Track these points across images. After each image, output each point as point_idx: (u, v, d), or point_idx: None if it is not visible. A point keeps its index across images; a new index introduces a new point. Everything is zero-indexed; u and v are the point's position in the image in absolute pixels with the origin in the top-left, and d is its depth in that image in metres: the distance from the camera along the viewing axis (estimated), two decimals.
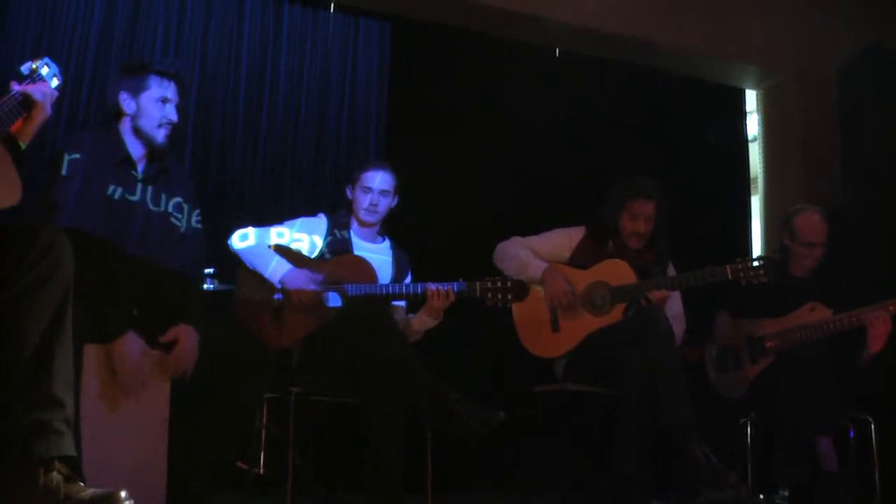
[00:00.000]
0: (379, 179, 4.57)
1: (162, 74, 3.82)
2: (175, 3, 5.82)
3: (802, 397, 4.42)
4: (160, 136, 3.77)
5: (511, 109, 6.54)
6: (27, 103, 2.84)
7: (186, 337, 3.53)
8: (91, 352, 3.23)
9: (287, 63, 6.11)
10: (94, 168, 3.58)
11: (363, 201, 4.57)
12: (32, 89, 2.84)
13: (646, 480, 4.22)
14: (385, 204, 4.60)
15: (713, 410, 4.82)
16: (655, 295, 4.51)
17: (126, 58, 5.56)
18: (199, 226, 3.90)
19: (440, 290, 4.26)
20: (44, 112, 2.86)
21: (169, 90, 3.80)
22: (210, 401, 3.52)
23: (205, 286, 4.51)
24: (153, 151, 3.79)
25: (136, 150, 3.76)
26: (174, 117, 3.81)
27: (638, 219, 4.75)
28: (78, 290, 2.59)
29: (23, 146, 2.79)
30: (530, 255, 4.80)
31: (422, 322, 4.39)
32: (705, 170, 7.17)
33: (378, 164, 4.67)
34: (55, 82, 2.89)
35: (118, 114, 3.78)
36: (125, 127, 3.77)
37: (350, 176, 4.68)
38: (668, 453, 4.32)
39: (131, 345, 3.34)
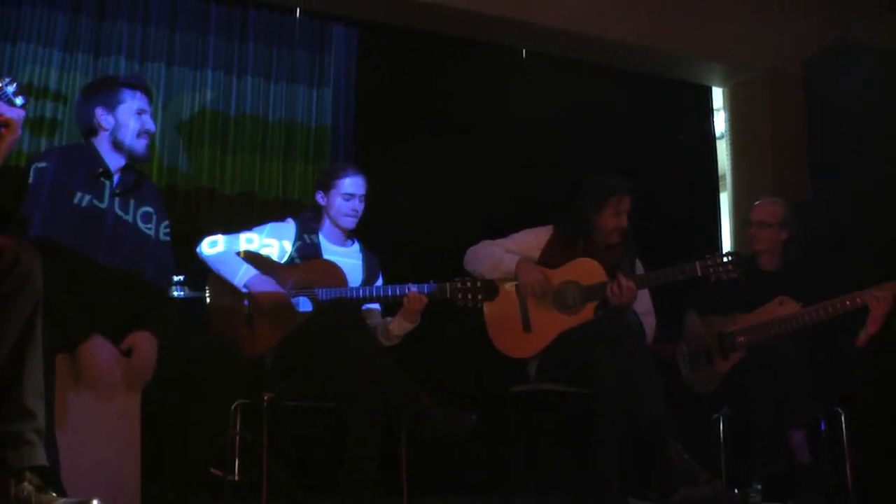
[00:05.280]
0: (359, 184, 4.59)
1: (133, 86, 3.84)
2: (139, 11, 5.80)
3: (774, 391, 4.45)
4: (141, 146, 3.79)
5: (480, 111, 6.57)
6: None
7: (143, 343, 3.49)
8: (62, 362, 3.23)
9: (254, 69, 6.10)
10: (61, 178, 3.57)
11: (344, 207, 4.57)
12: (7, 111, 2.81)
13: (622, 479, 4.23)
14: (362, 208, 4.61)
15: (686, 406, 4.84)
16: (624, 282, 4.52)
17: (91, 65, 5.58)
18: (167, 238, 3.88)
19: (416, 294, 4.27)
20: (15, 133, 2.84)
21: (142, 101, 3.83)
22: (182, 408, 3.51)
23: (175, 294, 4.49)
24: (132, 163, 3.81)
25: (114, 163, 3.77)
26: (152, 126, 3.84)
27: (621, 214, 4.79)
28: (47, 302, 2.59)
29: None
30: (502, 251, 4.82)
31: (399, 326, 4.40)
32: (673, 168, 7.18)
33: (354, 169, 4.67)
34: (20, 100, 2.87)
35: (93, 131, 3.78)
36: (103, 142, 3.77)
37: (323, 181, 4.67)
38: (643, 451, 4.34)
39: (98, 349, 3.33)
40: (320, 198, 4.63)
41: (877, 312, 4.45)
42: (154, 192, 3.96)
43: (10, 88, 2.83)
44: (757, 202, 5.15)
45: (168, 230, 3.90)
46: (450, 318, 4.75)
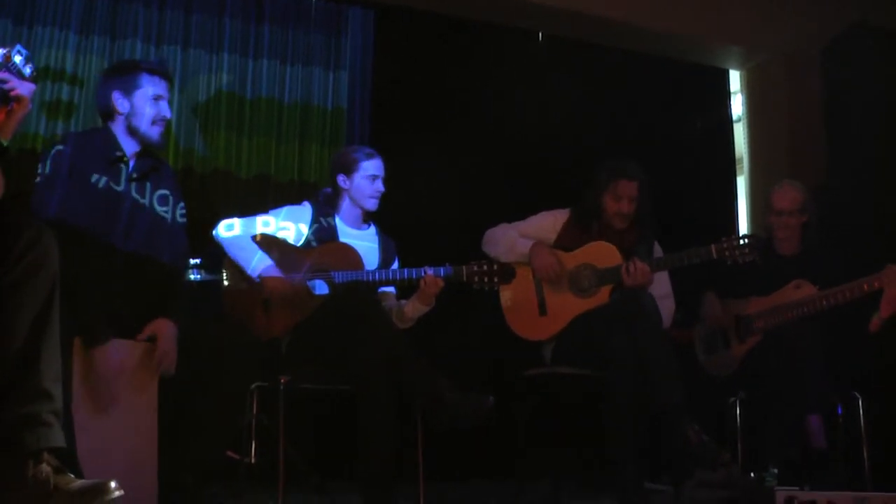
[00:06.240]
0: (380, 166, 4.59)
1: (152, 72, 3.84)
2: None
3: (791, 375, 4.42)
4: (155, 133, 3.79)
5: (496, 94, 6.55)
6: (8, 98, 2.81)
7: (165, 333, 3.50)
8: (80, 345, 3.23)
9: (269, 51, 6.10)
10: (79, 160, 3.58)
11: (369, 189, 4.56)
12: (18, 85, 2.81)
13: (638, 462, 4.23)
14: (383, 189, 4.61)
15: (703, 389, 4.83)
16: (638, 263, 4.51)
17: (107, 48, 5.60)
18: (183, 220, 3.89)
19: (433, 277, 4.27)
20: (26, 107, 2.84)
21: (160, 87, 3.82)
22: (199, 392, 3.52)
23: (191, 277, 4.50)
24: (147, 149, 3.82)
25: (130, 148, 3.77)
26: (168, 114, 3.85)
27: (622, 199, 4.77)
28: (64, 285, 2.59)
29: (5, 143, 2.76)
30: (517, 235, 4.82)
31: (414, 309, 4.40)
32: (690, 151, 7.17)
33: (374, 151, 4.67)
34: (28, 69, 2.85)
35: (110, 114, 3.79)
36: (119, 126, 3.78)
37: (344, 164, 4.63)
38: (659, 434, 4.33)
39: (113, 353, 3.33)
40: (342, 181, 4.59)
41: (891, 293, 4.40)
42: (171, 176, 3.97)
43: (18, 59, 2.81)
44: (776, 187, 5.09)
45: (184, 212, 3.91)
46: (465, 301, 4.75)
